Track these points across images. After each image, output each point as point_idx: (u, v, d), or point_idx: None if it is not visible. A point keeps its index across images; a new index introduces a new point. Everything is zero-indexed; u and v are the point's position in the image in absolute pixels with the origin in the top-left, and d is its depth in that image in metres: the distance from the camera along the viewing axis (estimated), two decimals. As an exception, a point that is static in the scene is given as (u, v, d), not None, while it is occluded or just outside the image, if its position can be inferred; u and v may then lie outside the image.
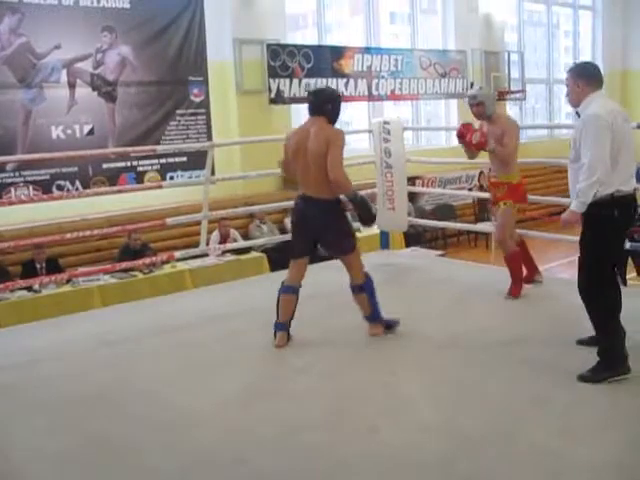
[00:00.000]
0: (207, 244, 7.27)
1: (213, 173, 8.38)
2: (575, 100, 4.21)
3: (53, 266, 8.09)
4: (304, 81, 11.34)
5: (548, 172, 14.31)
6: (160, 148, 8.90)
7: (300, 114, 12.60)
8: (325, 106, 4.84)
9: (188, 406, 4.05)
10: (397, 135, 7.35)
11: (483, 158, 6.39)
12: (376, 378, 4.33)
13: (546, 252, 10.59)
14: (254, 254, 9.18)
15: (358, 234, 5.68)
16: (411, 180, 10.02)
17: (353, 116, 13.30)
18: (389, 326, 5.07)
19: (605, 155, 3.97)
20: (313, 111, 4.88)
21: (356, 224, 5.69)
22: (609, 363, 4.03)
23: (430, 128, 15.52)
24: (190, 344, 5.13)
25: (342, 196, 4.87)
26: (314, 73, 11.47)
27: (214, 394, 4.20)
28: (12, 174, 8.92)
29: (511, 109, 15.11)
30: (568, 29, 17.72)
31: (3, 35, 8.76)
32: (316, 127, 4.80)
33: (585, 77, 4.15)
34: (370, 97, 12.47)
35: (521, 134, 6.09)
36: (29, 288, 7.41)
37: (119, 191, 8.53)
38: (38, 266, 8.10)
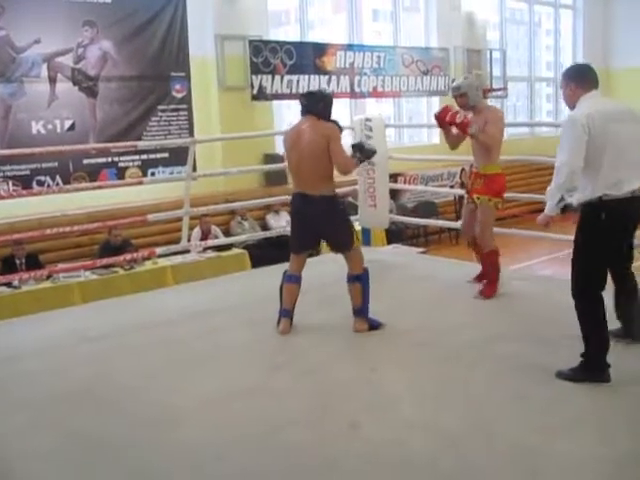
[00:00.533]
0: (188, 240, 7.26)
1: (194, 169, 8.36)
2: (569, 102, 4.16)
3: (33, 262, 8.03)
4: (286, 78, 11.33)
5: (529, 169, 14.38)
6: (141, 144, 8.87)
7: (282, 111, 12.62)
8: (317, 105, 5.00)
9: (170, 403, 4.04)
10: (379, 132, 7.36)
11: (464, 154, 6.40)
12: (358, 375, 4.34)
13: (527, 249, 10.68)
14: (235, 251, 9.16)
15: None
16: (393, 177, 10.04)
17: (335, 113, 13.25)
18: (374, 327, 5.10)
19: (573, 159, 3.91)
20: (305, 111, 5.06)
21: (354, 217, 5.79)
22: (589, 367, 4.03)
23: (412, 125, 15.55)
24: (171, 341, 5.11)
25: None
26: (296, 70, 11.46)
27: (196, 391, 4.19)
28: (-9, 169, 8.84)
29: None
30: (549, 28, 17.79)
31: (-18, 29, 8.69)
32: (309, 124, 4.96)
33: (576, 79, 4.12)
34: (352, 94, 12.48)
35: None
36: (8, 284, 7.34)
37: (100, 187, 8.48)
38: (18, 262, 8.04)
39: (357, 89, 12.42)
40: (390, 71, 13.03)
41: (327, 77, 11.94)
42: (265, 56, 11.03)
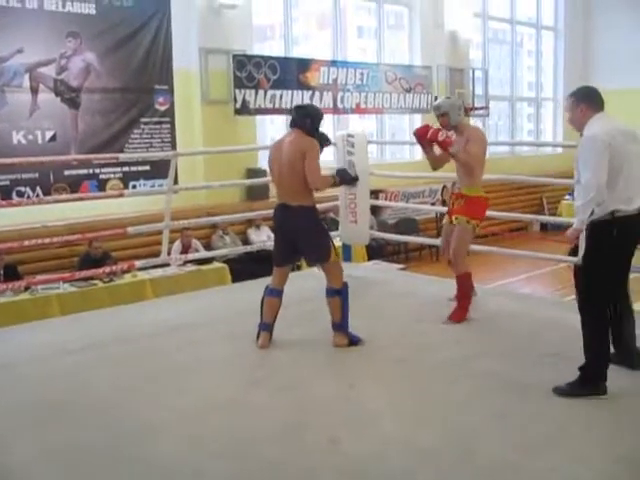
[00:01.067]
0: (168, 254, 7.22)
1: (176, 183, 8.34)
2: (578, 124, 4.25)
3: (11, 273, 7.96)
4: (270, 92, 11.36)
5: (510, 188, 14.50)
6: (123, 156, 8.84)
7: (265, 125, 12.65)
8: (304, 119, 5.04)
9: (147, 417, 4.01)
10: (361, 148, 7.39)
11: (446, 172, 6.43)
12: (337, 390, 4.33)
13: (505, 268, 10.73)
14: (216, 264, 9.14)
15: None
16: (374, 193, 10.08)
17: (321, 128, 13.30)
18: (353, 342, 5.10)
19: (601, 175, 4.01)
20: (292, 124, 5.10)
21: (335, 233, 5.79)
22: (588, 381, 4.09)
23: (394, 142, 15.62)
24: (150, 354, 5.08)
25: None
26: (280, 85, 11.50)
27: (174, 405, 4.16)
28: (-29, 179, 8.78)
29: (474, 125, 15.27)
30: (531, 48, 17.99)
31: (-36, 38, 8.65)
32: (292, 138, 5.02)
33: (587, 100, 4.22)
34: (335, 110, 12.53)
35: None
36: (-14, 295, 7.28)
37: (80, 198, 8.43)
38: (-5, 273, 7.98)
39: (340, 105, 12.48)
40: (373, 88, 13.10)
41: (310, 92, 11.98)
42: (249, 70, 11.06)
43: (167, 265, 8.33)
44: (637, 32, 16.28)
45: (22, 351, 5.24)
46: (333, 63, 12.57)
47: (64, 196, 8.86)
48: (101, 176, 9.77)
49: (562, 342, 4.77)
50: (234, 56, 10.89)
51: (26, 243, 6.31)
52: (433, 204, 13.58)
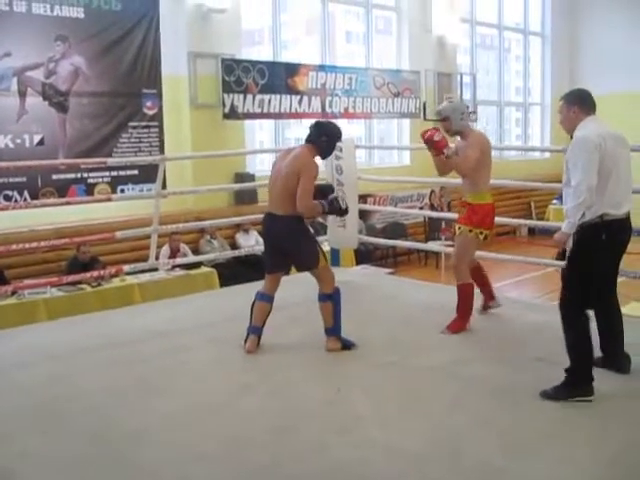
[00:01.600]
0: (157, 258, 7.22)
1: (164, 187, 8.33)
2: (569, 126, 4.28)
3: (-2, 277, 7.94)
4: (258, 97, 11.36)
5: (497, 193, 14.44)
6: (111, 160, 8.81)
7: (254, 130, 12.65)
8: (318, 137, 5.07)
9: (135, 421, 4.01)
10: (349, 153, 7.41)
11: (434, 177, 6.43)
12: (323, 395, 4.34)
13: (493, 272, 10.73)
14: (204, 269, 9.12)
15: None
16: (362, 198, 10.09)
17: (306, 133, 13.31)
18: (346, 346, 5.11)
19: (591, 177, 4.04)
20: (307, 139, 5.10)
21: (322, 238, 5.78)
22: (574, 384, 4.10)
23: (382, 147, 15.64)
24: (137, 359, 5.07)
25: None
26: (268, 89, 11.49)
27: (160, 410, 4.16)
28: (-42, 183, 8.74)
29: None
30: (519, 53, 18.07)
31: (-48, 41, 8.61)
32: (298, 151, 5.04)
33: (578, 103, 4.26)
34: (323, 115, 12.53)
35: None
36: (-27, 300, 7.25)
37: (68, 203, 8.41)
38: (-18, 277, 7.94)
39: (328, 110, 12.48)
40: (361, 92, 13.12)
41: (299, 97, 11.98)
42: (237, 75, 11.06)
43: (155, 270, 8.31)
44: (623, 37, 16.38)
45: (8, 356, 5.22)
46: (321, 68, 12.59)
47: (52, 200, 8.82)
48: (89, 180, 9.74)
49: (550, 346, 4.78)
50: (223, 60, 10.88)
51: (13, 247, 6.30)
52: (421, 208, 13.61)
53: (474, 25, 16.23)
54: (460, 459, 3.49)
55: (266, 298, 5.20)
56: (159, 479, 3.40)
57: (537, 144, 17.98)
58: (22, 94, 9.14)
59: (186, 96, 10.70)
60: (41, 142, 9.29)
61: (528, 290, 10.46)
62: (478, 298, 5.87)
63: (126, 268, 6.83)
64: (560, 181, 4.47)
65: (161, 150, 10.28)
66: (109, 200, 7.80)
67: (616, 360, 4.49)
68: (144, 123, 10.26)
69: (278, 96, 11.65)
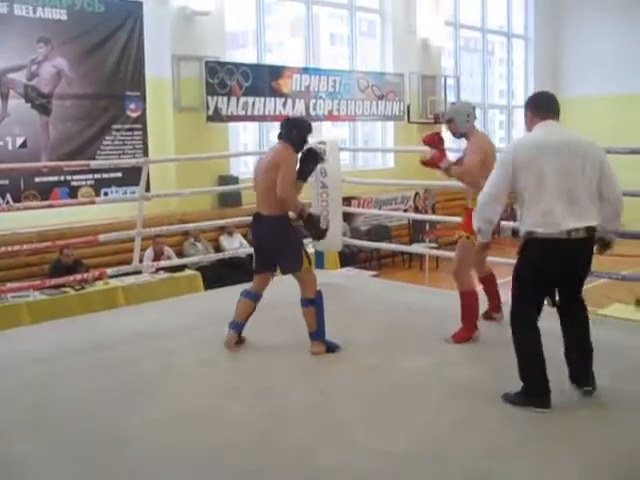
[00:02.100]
0: (140, 261, 7.19)
1: (148, 190, 8.30)
2: (528, 129, 4.15)
3: (-20, 281, 7.88)
4: (242, 99, 11.35)
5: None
6: (94, 163, 8.77)
7: (238, 132, 12.63)
8: (289, 132, 5.10)
9: (117, 426, 3.98)
10: (333, 155, 7.41)
11: (418, 180, 6.45)
12: (309, 399, 4.33)
13: (478, 274, 10.77)
14: (188, 272, 9.10)
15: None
16: (347, 200, 10.10)
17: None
18: (330, 349, 5.11)
19: (492, 189, 3.96)
20: (279, 135, 5.16)
21: (308, 240, 5.77)
22: (527, 394, 4.02)
23: (367, 149, 15.68)
24: (121, 362, 5.05)
25: (291, 214, 5.12)
26: (252, 92, 11.49)
27: (144, 414, 4.14)
28: (-61, 186, 8.67)
29: (446, 132, 15.36)
30: (502, 56, 18.17)
31: None
32: (274, 148, 5.14)
33: (531, 106, 4.12)
34: (308, 117, 12.54)
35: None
36: (-46, 303, 7.19)
37: (51, 206, 8.36)
38: (-36, 281, 7.88)
39: (312, 112, 12.50)
40: (346, 95, 13.14)
41: (283, 100, 12.00)
42: (221, 77, 11.04)
43: (139, 272, 8.28)
44: (606, 40, 16.49)
45: (-9, 360, 5.18)
46: (305, 70, 12.60)
47: (34, 203, 8.78)
48: (72, 183, 9.69)
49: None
50: (206, 63, 10.87)
51: (-4, 250, 6.25)
52: (405, 211, 13.64)
53: (458, 28, 16.31)
54: (445, 462, 3.49)
55: (251, 296, 5.24)
56: (142, 483, 3.39)
57: (520, 146, 18.03)
58: (4, 96, 9.09)
59: (170, 98, 10.68)
60: (24, 145, 9.24)
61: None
62: (483, 304, 5.76)
63: (109, 271, 6.79)
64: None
65: (145, 153, 10.25)
66: (92, 203, 7.78)
67: (583, 376, 4.15)
68: (128, 126, 10.23)
69: (262, 99, 11.65)
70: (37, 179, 9.33)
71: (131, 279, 8.42)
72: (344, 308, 6.30)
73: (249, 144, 13.23)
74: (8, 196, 9.08)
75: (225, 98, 11.12)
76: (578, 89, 17.05)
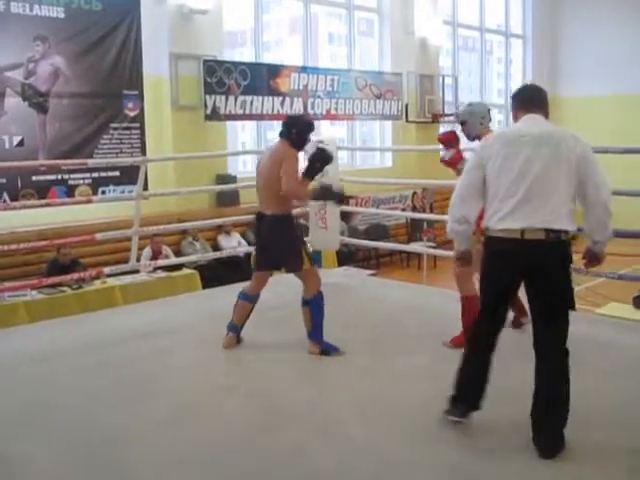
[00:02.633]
0: (138, 260, 7.18)
1: (146, 189, 8.28)
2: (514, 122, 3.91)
3: (-23, 280, 7.87)
4: (240, 98, 11.34)
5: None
6: (91, 162, 8.76)
7: (236, 131, 12.62)
8: (289, 130, 5.07)
9: (113, 425, 3.98)
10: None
11: (416, 179, 6.43)
12: (304, 398, 4.32)
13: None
14: (186, 271, 9.09)
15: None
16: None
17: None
18: (326, 351, 5.09)
19: (459, 187, 3.72)
20: (280, 134, 5.13)
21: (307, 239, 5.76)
22: (452, 396, 3.82)
23: (365, 148, 15.68)
24: (118, 361, 5.04)
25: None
26: (250, 90, 11.48)
27: (140, 413, 4.13)
28: (-64, 184, 8.66)
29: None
30: (500, 56, 18.19)
31: None
32: (274, 147, 5.11)
33: (515, 99, 3.87)
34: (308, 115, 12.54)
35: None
36: (-49, 302, 7.18)
37: (48, 204, 8.34)
38: (-38, 280, 7.87)
39: (310, 111, 12.48)
40: (344, 94, 13.13)
41: (281, 98, 11.98)
42: (219, 76, 11.03)
43: (137, 271, 8.27)
44: (604, 39, 16.51)
45: (-12, 359, 5.17)
46: (304, 69, 12.59)
47: (31, 202, 8.75)
48: (70, 182, 9.68)
49: (528, 347, 4.79)
50: (205, 62, 10.86)
51: (-7, 249, 6.24)
52: (404, 210, 13.64)
53: (456, 27, 16.31)
54: (439, 461, 3.49)
55: (248, 298, 5.23)
56: (140, 483, 3.38)
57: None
58: (1, 95, 9.07)
59: (168, 97, 10.67)
60: (21, 143, 9.22)
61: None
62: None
63: (107, 270, 6.78)
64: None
65: (142, 151, 10.23)
66: (90, 202, 7.76)
67: (538, 437, 3.52)
68: (125, 124, 10.21)
69: (260, 97, 11.64)
70: (34, 178, 9.31)
71: (129, 278, 8.41)
72: (342, 307, 6.29)
73: (247, 143, 13.23)
74: (5, 195, 9.06)
75: (223, 97, 11.11)
76: (576, 88, 17.08)
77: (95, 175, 9.87)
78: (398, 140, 14.33)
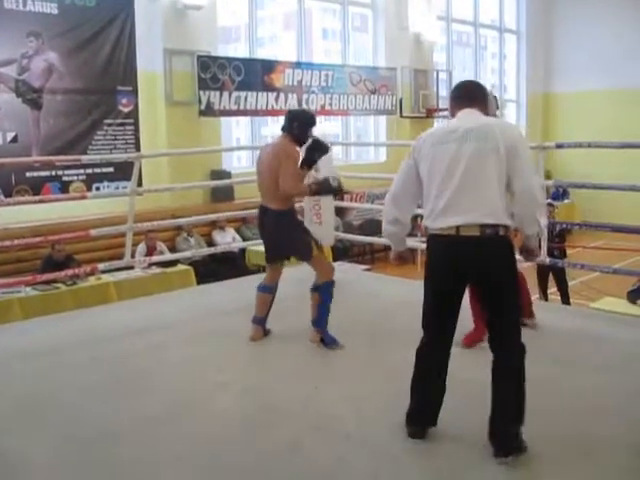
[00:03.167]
0: (132, 256, 7.17)
1: (140, 185, 8.27)
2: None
3: (-29, 277, 7.85)
4: (234, 94, 11.33)
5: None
6: (85, 158, 8.75)
7: (230, 127, 12.60)
8: (290, 124, 5.08)
9: (107, 421, 3.97)
10: (326, 150, 7.37)
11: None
12: (299, 393, 4.32)
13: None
14: (181, 267, 9.08)
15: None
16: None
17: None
18: (325, 342, 5.11)
19: (393, 186, 3.65)
20: (282, 128, 5.15)
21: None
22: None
23: (359, 144, 15.67)
24: (112, 357, 5.03)
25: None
26: (245, 86, 11.47)
27: (134, 409, 4.13)
28: None
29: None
30: (495, 51, 18.19)
31: None
32: (276, 142, 5.13)
33: (452, 96, 3.78)
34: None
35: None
36: (-55, 299, 7.16)
37: (42, 201, 8.34)
38: (-45, 276, 7.85)
39: (305, 107, 12.47)
40: (338, 89, 13.12)
41: (275, 94, 11.97)
42: (213, 72, 11.02)
43: (131, 268, 8.26)
44: (598, 34, 16.51)
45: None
46: (298, 65, 12.58)
47: (25, 198, 8.74)
48: (64, 178, 9.66)
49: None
50: (199, 57, 10.84)
51: (-13, 246, 6.22)
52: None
53: (450, 22, 16.31)
54: (435, 457, 3.49)
55: (266, 289, 5.27)
56: (130, 479, 3.37)
57: (513, 141, 18.06)
58: (-6, 91, 9.05)
59: (162, 93, 10.65)
60: (14, 139, 9.20)
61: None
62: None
63: (101, 266, 6.77)
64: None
65: (137, 147, 10.23)
66: (84, 198, 7.73)
67: (492, 436, 3.45)
68: (119, 120, 10.20)
69: (254, 93, 11.63)
70: (28, 174, 9.30)
71: (123, 274, 8.40)
72: (337, 302, 6.26)
73: (241, 139, 13.22)
74: (-1, 191, 9.05)
75: (217, 92, 11.10)
76: (570, 84, 17.11)
77: (89, 171, 9.86)
78: (392, 135, 14.33)
